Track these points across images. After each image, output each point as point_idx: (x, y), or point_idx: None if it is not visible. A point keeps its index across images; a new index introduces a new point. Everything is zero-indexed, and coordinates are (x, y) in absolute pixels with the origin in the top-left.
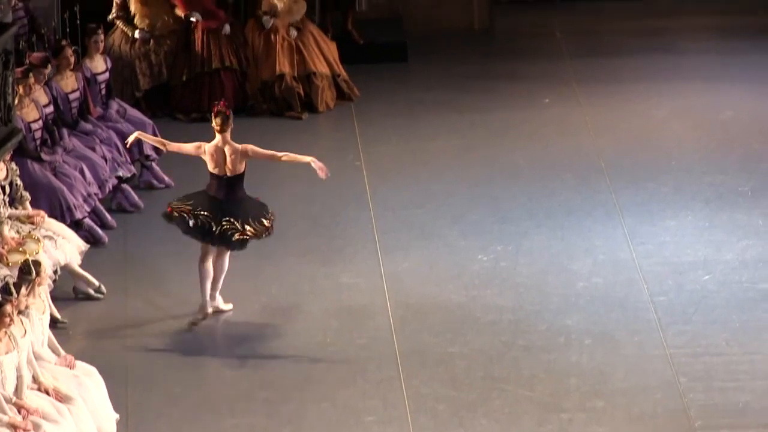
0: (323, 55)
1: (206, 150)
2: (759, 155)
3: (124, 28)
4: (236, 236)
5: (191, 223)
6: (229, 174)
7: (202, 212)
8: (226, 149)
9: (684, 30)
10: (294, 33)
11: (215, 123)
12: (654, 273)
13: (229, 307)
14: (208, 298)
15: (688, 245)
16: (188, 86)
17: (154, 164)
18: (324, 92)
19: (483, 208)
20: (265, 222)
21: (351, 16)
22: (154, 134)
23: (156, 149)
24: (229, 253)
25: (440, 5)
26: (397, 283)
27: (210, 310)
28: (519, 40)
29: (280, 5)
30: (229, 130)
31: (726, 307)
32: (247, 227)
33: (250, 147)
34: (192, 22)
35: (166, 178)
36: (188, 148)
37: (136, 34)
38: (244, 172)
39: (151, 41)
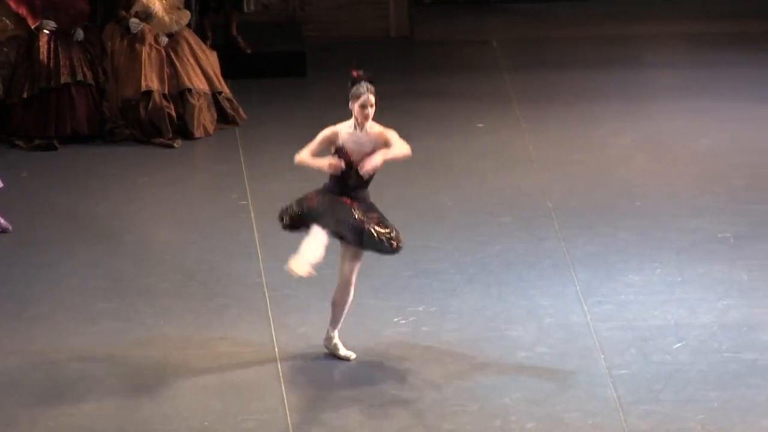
0: (201, 68)
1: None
2: (742, 194)
3: None
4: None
5: None
6: None
7: None
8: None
9: (649, 39)
10: (165, 40)
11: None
12: (613, 340)
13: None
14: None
15: (655, 306)
16: (30, 105)
17: None
18: (202, 113)
19: (399, 259)
20: None
21: (236, 19)
22: None
23: None
24: None
25: (348, 7)
26: (291, 352)
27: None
28: (446, 51)
29: (158, 9)
30: None
31: (702, 382)
32: None
33: None
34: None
35: (2, 222)
36: None
37: None
38: None
39: None
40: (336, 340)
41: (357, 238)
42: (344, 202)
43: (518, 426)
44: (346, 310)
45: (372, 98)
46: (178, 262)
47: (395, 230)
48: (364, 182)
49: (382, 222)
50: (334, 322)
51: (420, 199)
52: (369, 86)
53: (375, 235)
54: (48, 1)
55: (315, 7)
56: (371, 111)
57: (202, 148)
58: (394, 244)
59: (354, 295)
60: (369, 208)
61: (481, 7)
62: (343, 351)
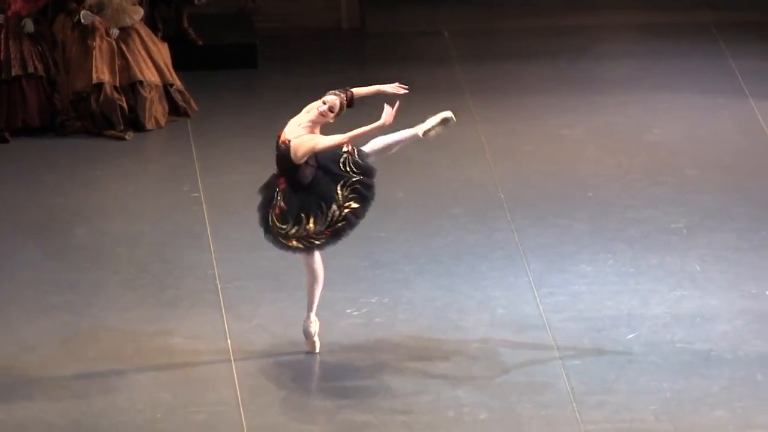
0: (152, 60)
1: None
2: (695, 184)
3: None
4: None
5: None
6: None
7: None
8: None
9: (601, 30)
10: (115, 32)
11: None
12: (566, 331)
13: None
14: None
15: (608, 296)
16: None
17: None
18: (153, 106)
19: (352, 251)
20: None
21: (187, 11)
22: None
23: None
24: None
25: None
26: (244, 345)
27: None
28: (397, 42)
29: (112, 4)
30: None
31: (655, 373)
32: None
33: None
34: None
35: None
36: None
37: None
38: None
39: None
40: (310, 325)
41: (261, 222)
42: (279, 182)
43: (471, 417)
44: (315, 294)
45: (338, 105)
46: (131, 255)
47: (296, 230)
48: (287, 165)
49: (284, 215)
50: (307, 306)
51: None
52: (342, 100)
53: (270, 226)
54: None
55: None
56: (329, 114)
57: (154, 140)
58: (284, 243)
59: (318, 279)
60: (293, 197)
61: None
62: (311, 339)
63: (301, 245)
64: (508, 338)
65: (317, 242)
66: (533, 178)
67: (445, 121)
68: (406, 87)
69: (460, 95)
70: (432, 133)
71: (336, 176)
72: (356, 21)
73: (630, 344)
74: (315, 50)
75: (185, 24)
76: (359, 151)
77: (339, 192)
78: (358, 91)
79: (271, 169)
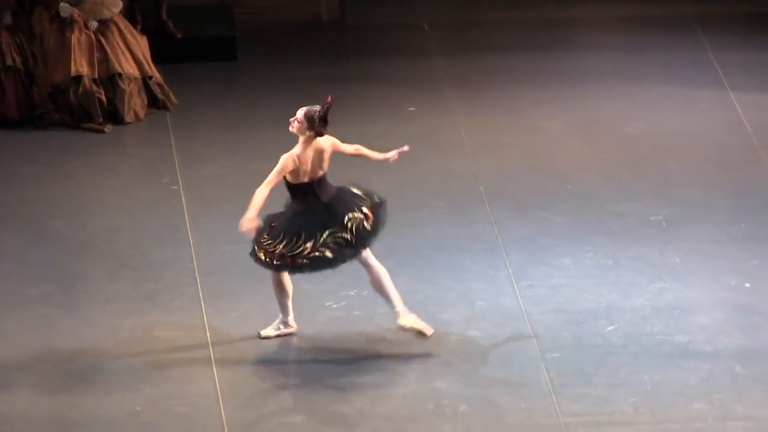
0: (131, 53)
1: (297, 160)
2: (676, 177)
3: None
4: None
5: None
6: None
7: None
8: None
9: (583, 22)
10: (94, 25)
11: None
12: (546, 323)
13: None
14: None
15: (587, 289)
16: None
17: None
18: (132, 98)
19: None
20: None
21: (166, 3)
22: None
23: None
24: None
25: None
26: (224, 337)
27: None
28: (377, 34)
29: None
30: None
31: (635, 365)
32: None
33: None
34: None
35: None
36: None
37: None
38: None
39: None
40: (281, 324)
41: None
42: None
43: (451, 409)
44: (282, 305)
45: (302, 116)
46: (110, 248)
47: (269, 243)
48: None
49: (270, 234)
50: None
51: (352, 182)
52: (310, 110)
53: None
54: None
55: None
56: (296, 125)
57: (133, 133)
58: (255, 250)
59: (284, 293)
60: (291, 217)
61: None
62: (273, 329)
63: (262, 258)
64: (487, 330)
65: (276, 263)
66: (513, 171)
67: (420, 334)
68: (407, 147)
69: (439, 88)
70: (404, 328)
71: (333, 221)
72: (336, 13)
73: (609, 336)
74: (295, 43)
75: (164, 16)
76: (377, 220)
77: (323, 236)
78: (365, 152)
79: (251, 160)
